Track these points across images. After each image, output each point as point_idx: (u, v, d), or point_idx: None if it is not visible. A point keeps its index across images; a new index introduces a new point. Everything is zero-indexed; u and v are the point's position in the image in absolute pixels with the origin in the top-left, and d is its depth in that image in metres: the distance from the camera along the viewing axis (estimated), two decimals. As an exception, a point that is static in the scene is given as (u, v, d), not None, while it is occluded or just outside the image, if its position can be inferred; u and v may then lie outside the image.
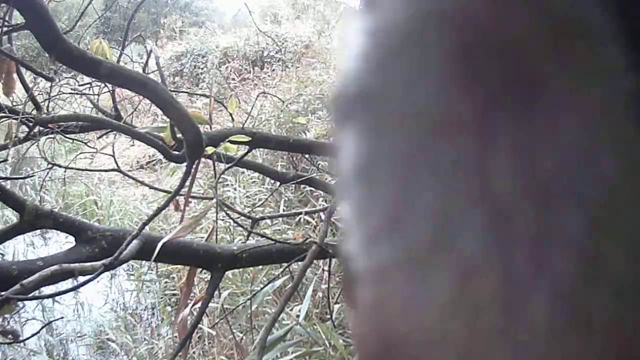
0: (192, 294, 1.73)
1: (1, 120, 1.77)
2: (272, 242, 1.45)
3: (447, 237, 0.15)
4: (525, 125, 0.15)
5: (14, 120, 1.66)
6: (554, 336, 0.15)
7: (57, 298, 3.09)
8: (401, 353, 0.16)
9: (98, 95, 2.37)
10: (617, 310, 0.15)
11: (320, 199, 3.67)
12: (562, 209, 0.15)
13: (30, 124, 1.73)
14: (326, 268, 2.30)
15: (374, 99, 0.17)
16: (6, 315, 2.01)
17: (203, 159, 1.39)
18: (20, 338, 1.42)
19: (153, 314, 3.63)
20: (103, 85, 2.19)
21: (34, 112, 1.82)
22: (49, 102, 1.97)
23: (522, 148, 0.15)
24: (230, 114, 1.78)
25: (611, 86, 0.16)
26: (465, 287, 0.15)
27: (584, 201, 0.15)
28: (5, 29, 1.32)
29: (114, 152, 1.85)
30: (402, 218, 0.15)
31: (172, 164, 2.50)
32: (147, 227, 1.18)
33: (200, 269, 1.49)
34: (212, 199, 1.55)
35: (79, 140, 2.45)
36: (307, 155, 2.65)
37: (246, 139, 1.49)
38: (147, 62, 1.93)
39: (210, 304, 1.55)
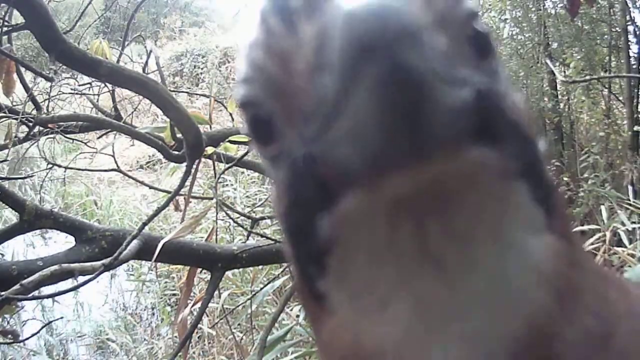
0: (192, 294, 1.73)
1: (1, 120, 1.77)
2: (272, 242, 1.45)
3: (404, 282, 0.26)
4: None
5: (14, 120, 1.66)
6: None
7: (57, 298, 3.08)
8: None
9: (98, 95, 2.37)
10: None
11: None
12: None
13: (30, 124, 1.73)
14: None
15: None
16: (6, 316, 2.01)
17: (203, 159, 1.39)
18: (20, 338, 1.42)
19: (153, 314, 3.63)
20: (103, 85, 2.19)
21: (34, 112, 1.82)
22: (49, 102, 1.97)
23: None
24: (230, 114, 1.78)
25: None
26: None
27: None
28: (5, 29, 1.32)
29: (113, 152, 1.85)
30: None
31: (172, 164, 2.50)
32: (147, 227, 1.18)
33: (200, 269, 1.49)
34: (212, 199, 1.55)
35: (78, 140, 2.45)
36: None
37: (246, 139, 1.49)
38: (147, 62, 1.93)
39: (210, 304, 1.55)
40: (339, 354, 0.27)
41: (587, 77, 2.79)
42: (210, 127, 1.55)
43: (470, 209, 0.25)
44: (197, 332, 2.74)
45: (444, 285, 0.25)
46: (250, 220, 1.53)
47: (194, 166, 1.30)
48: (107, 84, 1.96)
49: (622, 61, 3.35)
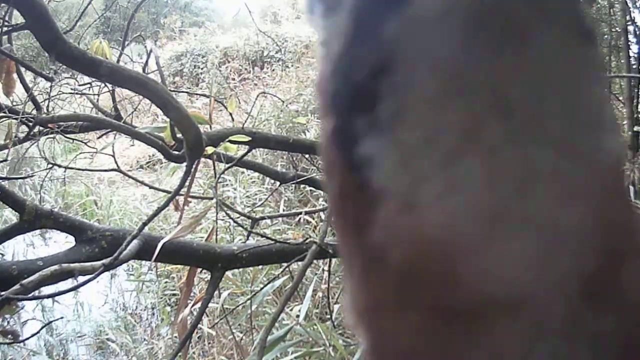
0: (192, 294, 1.73)
1: (1, 120, 1.77)
2: (272, 242, 1.45)
3: (474, 130, 0.19)
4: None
5: (14, 120, 1.66)
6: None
7: (57, 298, 3.09)
8: (440, 258, 0.19)
9: (98, 95, 2.37)
10: None
11: (320, 199, 3.67)
12: None
13: (30, 124, 1.73)
14: (326, 268, 2.30)
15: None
16: (6, 316, 2.01)
17: (203, 159, 1.39)
18: (20, 338, 1.42)
19: (153, 314, 3.63)
20: (103, 85, 2.19)
21: (34, 112, 1.82)
22: (49, 102, 1.97)
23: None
24: (230, 114, 1.78)
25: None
26: (494, 166, 0.19)
27: None
28: (5, 29, 1.31)
29: (113, 152, 1.85)
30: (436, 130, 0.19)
31: (172, 164, 2.50)
32: (146, 227, 1.18)
33: (200, 269, 1.49)
34: (212, 198, 1.55)
35: (79, 140, 2.45)
36: (307, 155, 2.65)
37: (246, 139, 1.49)
38: (147, 62, 1.93)
39: (210, 304, 1.55)
40: (401, 256, 0.20)
41: (587, 77, 2.78)
42: (210, 127, 1.55)
43: (548, 54, 0.20)
44: (197, 332, 2.74)
45: (512, 144, 0.19)
46: (250, 220, 1.53)
47: (194, 166, 1.30)
48: (107, 84, 1.96)
49: (622, 61, 3.35)
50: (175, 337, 2.74)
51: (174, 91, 2.44)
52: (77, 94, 2.64)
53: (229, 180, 4.08)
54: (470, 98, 0.19)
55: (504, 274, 0.19)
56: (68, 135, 2.08)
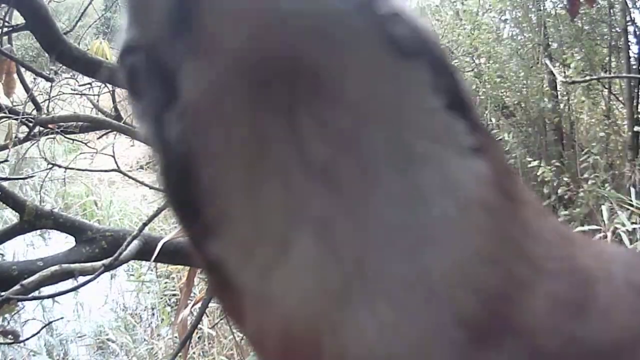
0: (192, 294, 1.73)
1: (1, 120, 1.77)
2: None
3: (299, 208, 0.18)
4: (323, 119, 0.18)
5: (14, 121, 1.66)
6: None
7: (57, 298, 3.08)
8: (304, 344, 0.19)
9: (98, 95, 2.38)
10: None
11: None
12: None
13: (30, 124, 1.73)
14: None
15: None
16: (6, 315, 2.02)
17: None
18: (20, 338, 1.42)
19: (153, 314, 3.62)
20: (103, 85, 2.19)
21: (34, 112, 1.82)
22: (49, 102, 1.97)
23: (326, 135, 0.18)
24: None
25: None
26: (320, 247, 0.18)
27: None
28: (5, 29, 1.32)
29: (114, 153, 1.85)
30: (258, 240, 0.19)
31: (172, 164, 2.50)
32: (147, 228, 1.18)
33: (200, 269, 1.49)
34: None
35: (79, 141, 2.45)
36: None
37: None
38: (147, 62, 1.93)
39: (210, 304, 1.55)
40: (272, 346, 0.20)
41: (587, 78, 2.79)
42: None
43: (349, 94, 0.18)
44: (197, 333, 2.74)
45: (342, 208, 0.18)
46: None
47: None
48: (107, 84, 1.96)
49: (622, 61, 3.35)
50: (176, 337, 2.74)
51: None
52: (77, 94, 2.64)
53: (229, 181, 4.08)
54: (280, 175, 0.18)
55: (366, 342, 0.18)
56: (68, 136, 2.09)
